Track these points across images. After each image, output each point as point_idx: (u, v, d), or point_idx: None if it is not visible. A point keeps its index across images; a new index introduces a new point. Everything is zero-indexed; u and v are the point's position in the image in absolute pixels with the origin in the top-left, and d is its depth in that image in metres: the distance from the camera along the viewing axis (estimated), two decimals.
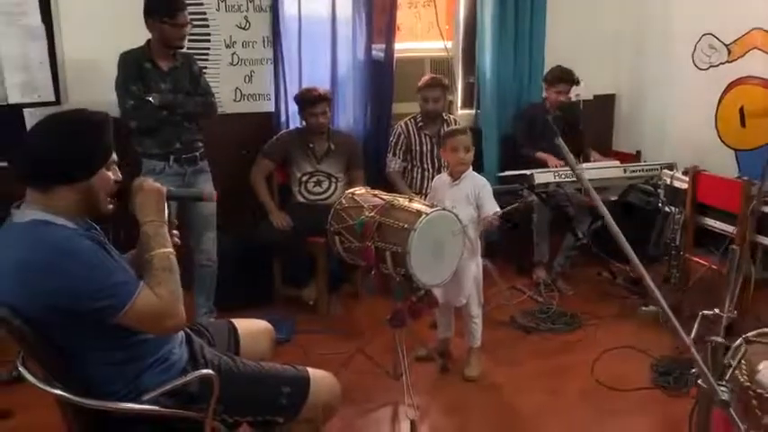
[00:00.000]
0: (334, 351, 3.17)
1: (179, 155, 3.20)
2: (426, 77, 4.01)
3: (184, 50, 3.27)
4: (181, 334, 1.90)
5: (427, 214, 2.52)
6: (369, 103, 4.21)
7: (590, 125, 4.77)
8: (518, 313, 3.71)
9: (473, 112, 4.71)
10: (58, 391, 1.61)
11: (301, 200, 3.84)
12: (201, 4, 3.71)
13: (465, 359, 3.16)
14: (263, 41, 3.91)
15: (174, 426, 1.75)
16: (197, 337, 2.02)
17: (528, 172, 3.79)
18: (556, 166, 4.04)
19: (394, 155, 4.06)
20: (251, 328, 2.25)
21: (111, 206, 1.74)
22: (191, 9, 3.63)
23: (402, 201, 2.66)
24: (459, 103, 4.75)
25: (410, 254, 2.47)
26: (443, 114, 4.09)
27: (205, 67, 3.75)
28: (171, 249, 1.75)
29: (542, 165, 4.11)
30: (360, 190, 2.84)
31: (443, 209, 2.62)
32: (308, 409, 1.89)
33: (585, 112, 4.79)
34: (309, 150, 3.79)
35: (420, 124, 4.05)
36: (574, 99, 4.82)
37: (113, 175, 1.73)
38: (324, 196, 3.84)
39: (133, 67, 3.07)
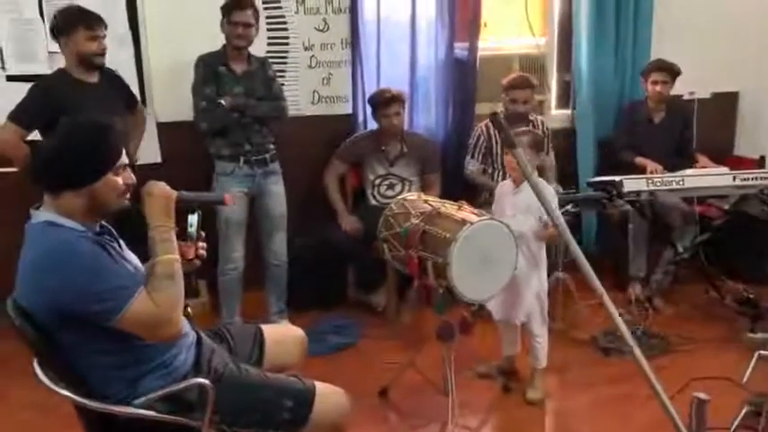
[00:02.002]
0: (398, 360, 3.07)
1: (249, 156, 3.24)
2: (514, 76, 3.79)
3: (254, 54, 3.31)
4: (190, 339, 1.89)
5: (472, 223, 2.35)
6: (451, 103, 4.06)
7: (707, 127, 4.31)
8: (600, 333, 3.40)
9: (569, 112, 4.40)
10: (64, 391, 1.66)
11: (374, 203, 3.77)
12: (281, 7, 3.74)
13: (528, 380, 2.94)
14: (342, 43, 3.88)
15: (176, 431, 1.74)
16: (216, 342, 2.01)
17: (617, 178, 3.45)
18: (652, 173, 3.67)
19: (472, 157, 3.88)
20: (280, 335, 2.21)
21: (126, 203, 1.75)
22: (269, 12, 3.73)
23: (450, 208, 2.51)
24: (554, 104, 4.46)
25: (451, 265, 2.32)
26: (529, 116, 3.85)
27: (283, 71, 3.81)
28: (176, 256, 1.74)
29: (642, 171, 3.76)
30: (411, 196, 2.72)
31: (491, 218, 2.44)
32: (312, 426, 1.81)
33: (702, 113, 4.34)
34: (382, 153, 3.71)
35: None
36: (687, 97, 4.40)
37: (124, 178, 1.74)
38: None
39: (207, 70, 3.15)
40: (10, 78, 3.40)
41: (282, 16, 3.76)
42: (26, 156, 2.83)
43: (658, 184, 3.47)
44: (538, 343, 2.86)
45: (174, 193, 1.79)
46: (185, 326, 1.90)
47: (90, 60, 2.96)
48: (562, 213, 3.29)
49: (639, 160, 3.87)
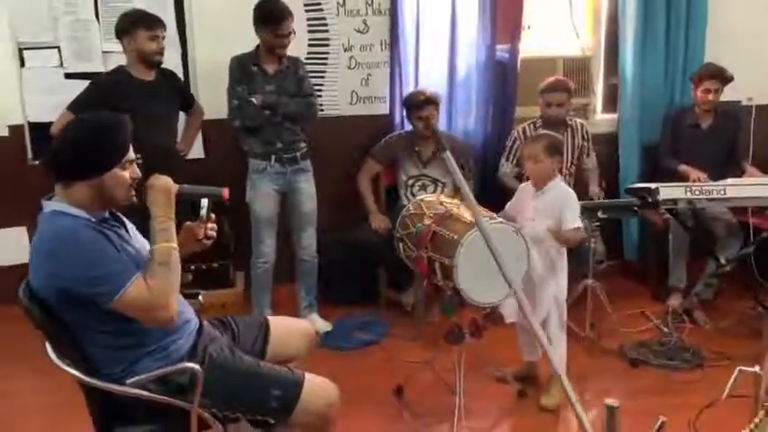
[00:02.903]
0: (420, 359, 3.10)
1: (280, 154, 3.35)
2: (550, 79, 3.74)
3: (295, 55, 3.42)
4: (192, 325, 1.98)
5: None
6: (490, 106, 4.06)
7: (763, 135, 4.12)
8: (630, 343, 3.32)
9: (615, 116, 4.29)
10: (69, 368, 1.78)
11: (406, 203, 3.80)
12: (321, 9, 3.84)
13: (545, 387, 2.91)
14: (381, 44, 3.94)
15: (169, 413, 1.83)
16: (220, 331, 2.11)
17: (653, 186, 3.34)
18: (695, 181, 3.54)
19: (507, 159, 3.86)
20: (286, 328, 2.27)
21: (133, 199, 1.86)
22: (311, 15, 3.83)
23: (463, 211, 2.52)
24: (600, 108, 4.36)
25: (457, 267, 2.33)
26: (567, 120, 3.79)
27: (323, 71, 3.91)
28: (173, 245, 1.83)
29: (685, 179, 3.63)
30: (429, 197, 2.75)
31: (501, 221, 2.43)
32: (299, 415, 1.87)
33: (760, 120, 4.15)
34: (415, 154, 3.74)
35: (539, 129, 3.80)
36: (746, 103, 4.23)
37: (130, 173, 1.85)
38: None
39: (240, 69, 3.28)
40: (68, 76, 3.64)
41: (323, 18, 3.86)
42: None
43: (697, 192, 3.33)
44: (555, 348, 2.82)
45: (175, 187, 1.89)
46: (188, 312, 2.00)
47: (149, 59, 3.16)
48: (595, 220, 3.25)
49: (683, 168, 3.74)
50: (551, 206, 2.70)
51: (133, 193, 1.86)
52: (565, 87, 3.66)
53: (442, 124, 4.07)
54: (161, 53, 3.18)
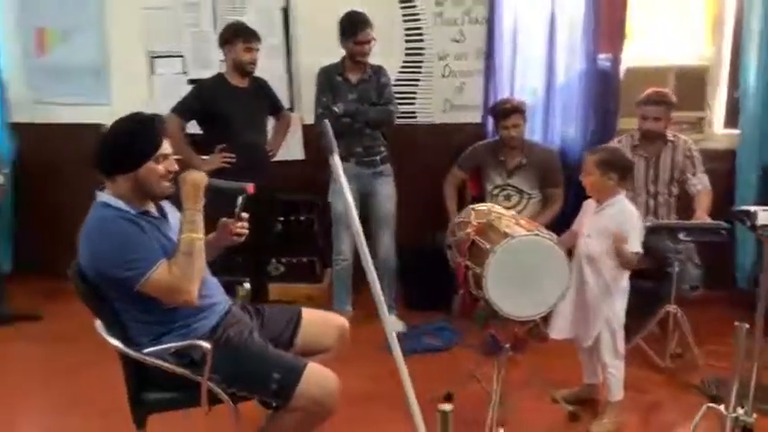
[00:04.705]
0: (482, 370, 3.08)
1: (359, 158, 3.51)
2: (648, 91, 3.51)
3: (391, 63, 3.56)
4: (221, 308, 2.18)
5: (513, 237, 2.32)
6: (590, 116, 3.90)
7: None
8: (712, 378, 3.03)
9: (736, 132, 3.92)
10: (109, 338, 2.04)
11: None
12: (419, 19, 3.94)
13: (599, 412, 2.76)
14: (476, 53, 3.95)
15: (187, 384, 2.02)
16: (250, 317, 2.28)
17: (752, 208, 3.03)
18: None
19: None
20: (318, 320, 2.39)
21: (170, 190, 2.08)
22: (408, 25, 3.95)
23: (505, 221, 2.49)
24: (720, 122, 4.00)
25: (486, 278, 2.31)
26: (668, 135, 3.53)
27: (417, 80, 4.00)
28: (198, 236, 2.03)
29: None
30: (481, 206, 2.73)
31: (537, 234, 2.37)
32: (299, 399, 1.98)
33: None
34: (500, 163, 3.70)
35: (636, 143, 3.58)
36: None
37: (165, 166, 2.06)
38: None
39: (325, 80, 3.49)
40: (190, 81, 4.07)
41: (419, 28, 3.96)
42: (183, 143, 3.39)
43: None
44: (609, 374, 2.68)
45: (204, 182, 2.08)
46: (217, 296, 2.20)
47: (243, 68, 3.47)
48: (677, 242, 3.03)
49: None
50: (608, 224, 2.57)
51: (170, 184, 2.08)
52: (662, 100, 3.42)
53: (537, 133, 4.00)
54: (254, 63, 3.45)
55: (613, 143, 3.67)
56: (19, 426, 2.93)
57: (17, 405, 3.05)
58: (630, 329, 3.24)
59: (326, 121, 1.48)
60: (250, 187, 2.15)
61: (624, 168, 2.61)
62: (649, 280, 3.51)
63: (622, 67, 3.80)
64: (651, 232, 3.36)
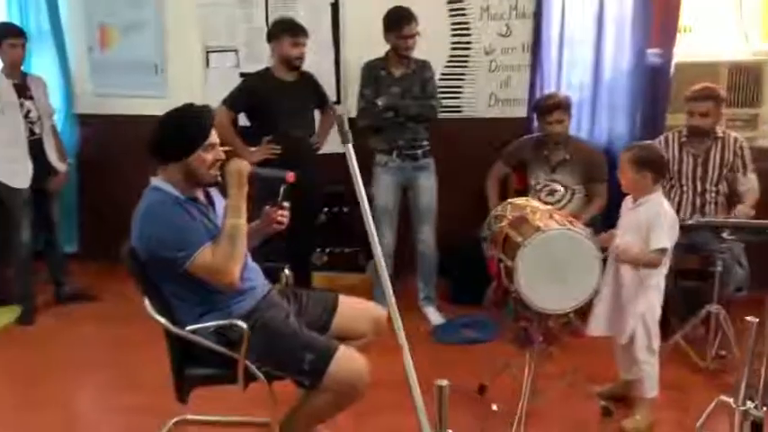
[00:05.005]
0: (516, 363, 3.11)
1: (401, 151, 3.57)
2: (695, 87, 3.44)
3: (436, 58, 3.61)
4: (259, 291, 2.29)
5: (544, 231, 2.34)
6: (639, 111, 3.85)
7: None
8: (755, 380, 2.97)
9: None
10: (156, 315, 2.17)
11: None
12: (465, 14, 3.96)
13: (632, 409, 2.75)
14: (523, 47, 3.95)
15: (225, 362, 2.13)
16: (288, 302, 2.39)
17: None
18: None
19: None
20: (355, 307, 2.47)
21: (218, 178, 2.20)
22: (454, 19, 3.99)
23: (539, 215, 2.51)
24: None
25: (516, 270, 2.35)
26: (718, 131, 3.45)
27: (463, 74, 4.03)
28: (241, 221, 2.14)
29: None
30: (519, 200, 2.76)
31: (569, 228, 2.38)
32: (330, 380, 2.07)
33: None
34: (544, 158, 3.69)
35: (683, 140, 3.52)
36: None
37: (213, 155, 2.18)
38: (556, 207, 3.68)
39: (369, 74, 3.56)
40: (242, 75, 4.21)
41: (467, 23, 3.98)
42: (232, 134, 3.54)
43: None
44: (643, 370, 2.67)
45: (247, 170, 2.19)
46: (257, 280, 2.31)
47: (290, 62, 3.56)
48: (720, 241, 2.98)
49: None
50: (640, 222, 2.56)
51: (217, 172, 2.20)
52: (711, 95, 3.34)
53: (584, 129, 3.98)
54: (301, 58, 3.53)
55: (660, 140, 3.62)
56: (77, 401, 3.13)
57: (75, 380, 3.26)
58: (674, 328, 3.22)
59: (343, 114, 1.56)
60: (290, 176, 2.24)
61: (659, 166, 2.58)
62: (696, 279, 3.47)
63: (672, 62, 3.73)
64: (694, 230, 3.32)
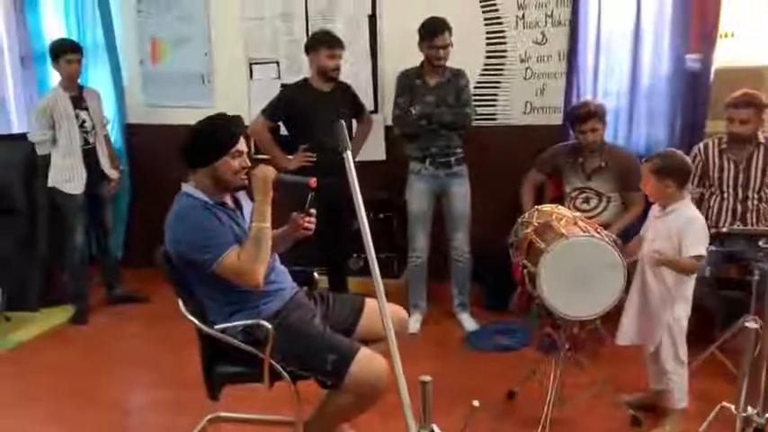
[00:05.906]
0: (543, 369, 3.11)
1: (434, 158, 3.62)
2: (737, 93, 3.37)
3: (472, 66, 3.65)
4: (287, 292, 2.38)
5: (567, 238, 2.36)
6: (678, 118, 3.81)
7: None
8: None
9: None
10: (189, 315, 2.29)
11: None
12: (501, 23, 3.99)
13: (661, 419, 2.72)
14: (559, 55, 3.95)
15: (252, 360, 2.23)
16: (315, 303, 2.47)
17: None
18: None
19: None
20: (378, 310, 2.54)
21: (244, 183, 2.29)
22: (489, 28, 4.03)
23: (564, 221, 2.52)
24: None
25: (539, 276, 2.37)
26: (760, 136, 3.38)
27: (498, 82, 4.06)
28: (265, 225, 2.24)
29: None
30: (546, 207, 2.77)
31: (592, 235, 2.38)
32: (351, 381, 2.14)
33: None
34: (579, 166, 3.68)
35: (723, 146, 3.45)
36: None
37: (240, 162, 2.27)
38: (592, 214, 3.66)
39: (404, 83, 3.63)
40: (283, 86, 4.35)
41: (502, 31, 4.01)
42: (270, 142, 3.67)
43: None
44: (671, 380, 2.64)
45: (272, 176, 2.28)
46: (285, 282, 2.41)
47: (326, 73, 3.67)
48: (759, 250, 2.91)
49: None
50: (670, 230, 2.54)
51: (244, 178, 2.30)
52: (751, 102, 3.26)
53: (621, 136, 3.95)
54: (337, 69, 3.64)
55: (699, 147, 3.56)
56: (123, 396, 3.30)
57: (122, 377, 3.44)
58: (713, 339, 3.16)
59: (342, 121, 1.65)
60: (312, 181, 2.32)
61: (681, 173, 2.55)
62: (736, 289, 3.39)
63: (712, 68, 3.67)
64: (731, 238, 3.26)
